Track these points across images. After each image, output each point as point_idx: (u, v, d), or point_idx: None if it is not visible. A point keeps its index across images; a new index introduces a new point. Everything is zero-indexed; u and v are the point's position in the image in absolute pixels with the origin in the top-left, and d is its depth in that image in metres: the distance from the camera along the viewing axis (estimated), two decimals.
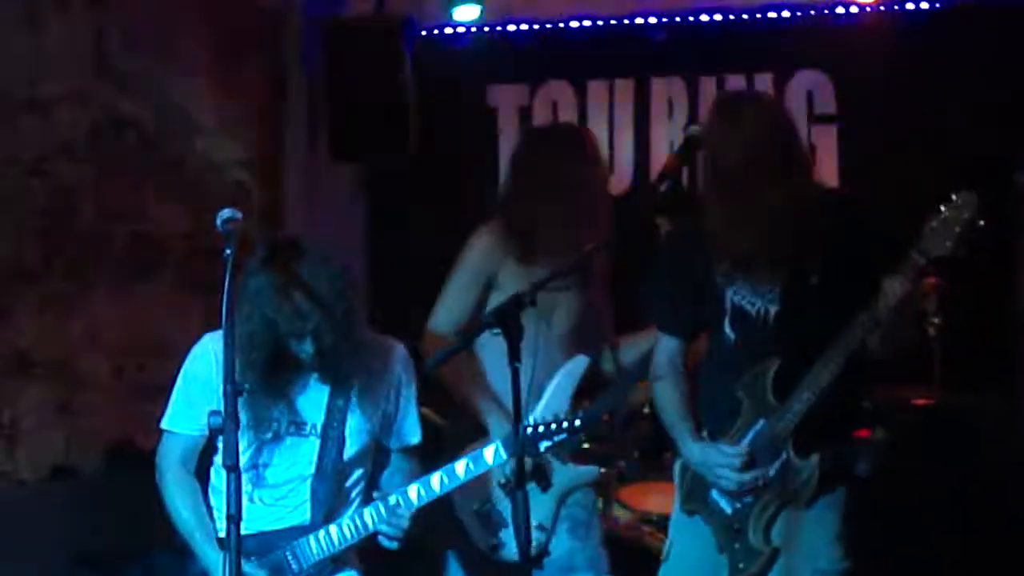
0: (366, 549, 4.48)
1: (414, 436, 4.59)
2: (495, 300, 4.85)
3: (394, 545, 4.39)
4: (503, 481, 4.87)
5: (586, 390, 4.98)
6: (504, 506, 4.91)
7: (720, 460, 4.29)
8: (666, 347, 4.52)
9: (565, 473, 4.96)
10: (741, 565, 4.30)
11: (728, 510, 4.33)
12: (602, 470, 5.14)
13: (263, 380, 4.26)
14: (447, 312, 5.02)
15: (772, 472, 4.23)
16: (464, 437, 4.88)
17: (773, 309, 4.26)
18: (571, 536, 5.00)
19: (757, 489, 4.26)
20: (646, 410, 6.04)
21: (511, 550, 4.90)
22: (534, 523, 4.87)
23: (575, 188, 4.97)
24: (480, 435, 4.84)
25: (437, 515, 4.86)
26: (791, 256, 4.20)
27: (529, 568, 4.16)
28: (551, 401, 4.79)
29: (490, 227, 5.04)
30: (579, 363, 4.91)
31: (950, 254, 3.99)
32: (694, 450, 4.39)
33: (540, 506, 4.91)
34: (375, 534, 4.38)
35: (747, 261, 4.24)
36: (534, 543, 4.86)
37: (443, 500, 4.60)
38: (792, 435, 4.19)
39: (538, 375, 4.76)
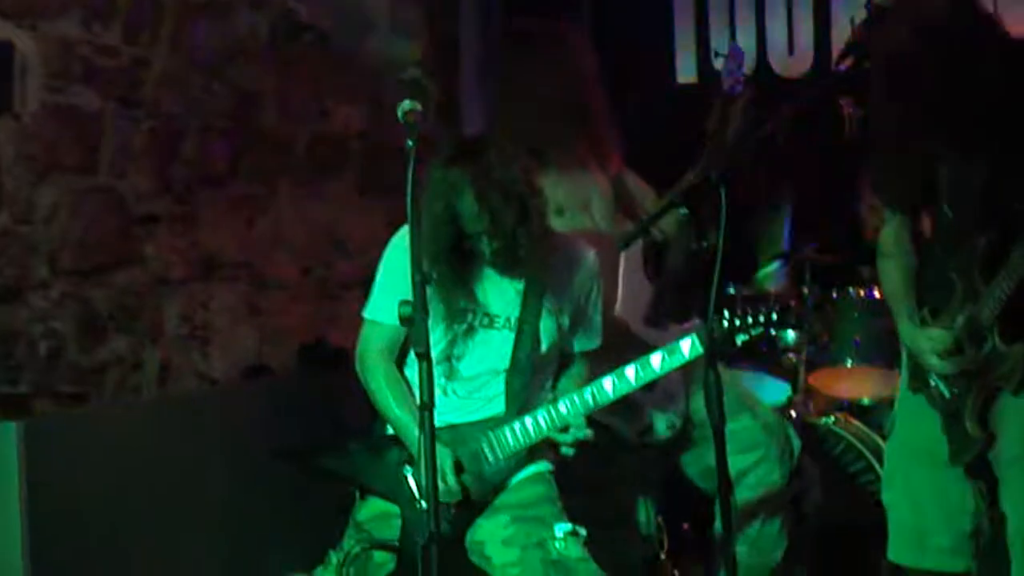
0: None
1: (596, 340, 4.60)
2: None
3: (571, 452, 4.41)
4: None
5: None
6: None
7: (925, 345, 4.21)
8: (891, 224, 4.40)
9: None
10: (960, 449, 4.23)
11: (947, 394, 4.24)
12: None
13: (449, 271, 4.28)
14: None
15: (980, 358, 4.13)
16: None
17: (984, 184, 4.10)
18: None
19: (969, 375, 4.16)
20: (834, 294, 5.97)
21: (659, 429, 4.91)
22: (667, 396, 4.89)
23: (547, 89, 4.95)
24: None
25: None
26: (1007, 120, 4.03)
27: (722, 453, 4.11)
28: (629, 285, 4.92)
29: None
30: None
31: None
32: (905, 332, 4.31)
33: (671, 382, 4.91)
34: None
35: (962, 128, 4.10)
36: (676, 415, 4.87)
37: None
38: (996, 321, 4.08)
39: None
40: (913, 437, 4.38)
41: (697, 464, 5.09)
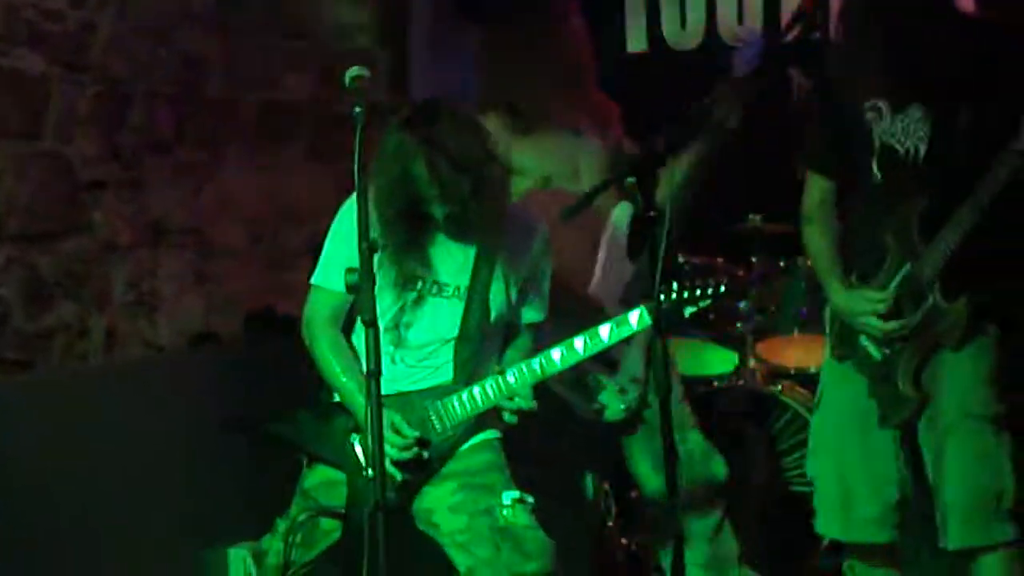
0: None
1: (542, 313, 4.60)
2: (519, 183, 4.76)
3: (514, 420, 4.41)
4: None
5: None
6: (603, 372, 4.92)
7: (864, 307, 4.24)
8: (817, 188, 4.43)
9: None
10: (890, 411, 4.25)
11: (877, 356, 4.27)
12: None
13: (400, 237, 4.27)
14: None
15: (919, 316, 4.16)
16: None
17: (923, 147, 4.14)
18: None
19: (905, 335, 4.19)
20: (781, 263, 6.00)
21: (614, 409, 4.93)
22: (627, 377, 4.90)
23: (539, 53, 4.93)
24: None
25: None
26: (944, 87, 4.07)
27: (667, 421, 4.13)
28: (607, 259, 4.90)
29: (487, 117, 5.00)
30: (622, 210, 4.96)
31: None
32: (840, 297, 4.33)
33: (630, 360, 4.93)
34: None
35: (897, 93, 4.12)
36: (634, 396, 4.89)
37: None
38: (938, 278, 4.11)
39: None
40: (840, 405, 4.41)
41: (646, 449, 5.09)
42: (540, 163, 4.52)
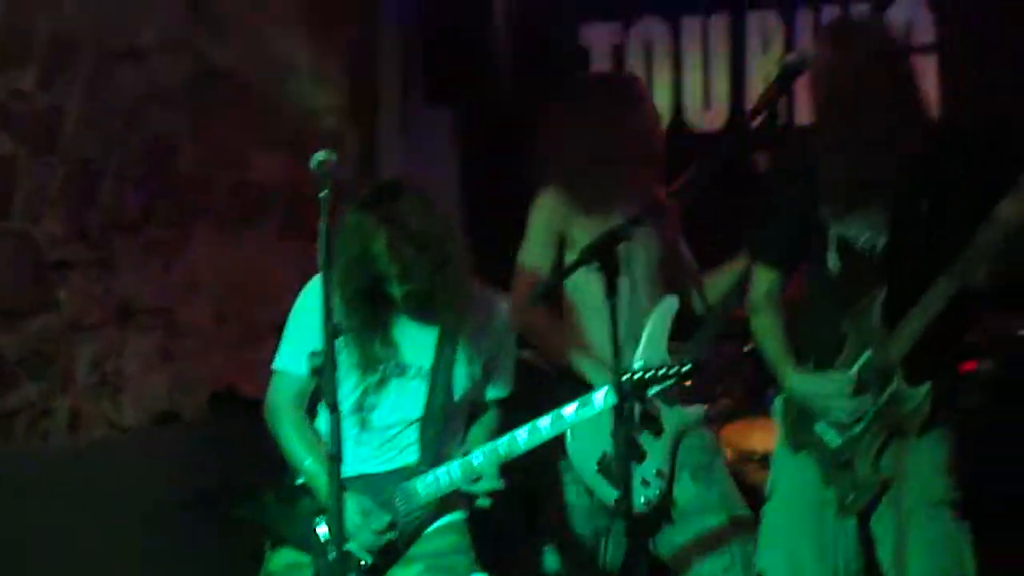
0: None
1: (507, 388, 4.61)
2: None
3: (487, 503, 4.42)
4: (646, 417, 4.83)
5: (678, 332, 4.96)
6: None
7: (829, 388, 4.24)
8: (764, 280, 4.46)
9: (674, 415, 4.93)
10: (850, 497, 4.25)
11: (835, 442, 4.27)
12: (707, 407, 5.10)
13: (361, 317, 4.29)
14: (531, 262, 4.99)
15: (883, 401, 4.18)
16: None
17: (882, 240, 4.18)
18: (694, 481, 4.97)
19: (864, 418, 4.20)
20: (747, 349, 6.02)
21: (639, 500, 4.90)
22: (652, 469, 4.88)
23: (620, 134, 4.93)
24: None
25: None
26: (902, 184, 4.12)
27: (627, 513, 4.13)
28: (648, 344, 4.81)
29: (549, 189, 5.01)
30: (670, 304, 4.93)
31: None
32: (799, 381, 4.34)
33: (656, 452, 4.89)
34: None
35: (856, 190, 4.16)
36: (657, 491, 4.86)
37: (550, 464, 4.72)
38: (902, 364, 4.13)
39: (630, 320, 4.76)
40: (794, 496, 4.39)
41: (667, 543, 5.02)
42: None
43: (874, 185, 4.14)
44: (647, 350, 4.84)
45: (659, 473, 4.91)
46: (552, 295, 4.84)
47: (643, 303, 4.91)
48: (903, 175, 4.12)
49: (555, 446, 4.73)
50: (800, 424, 4.35)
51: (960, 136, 4.26)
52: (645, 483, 4.86)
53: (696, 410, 5.01)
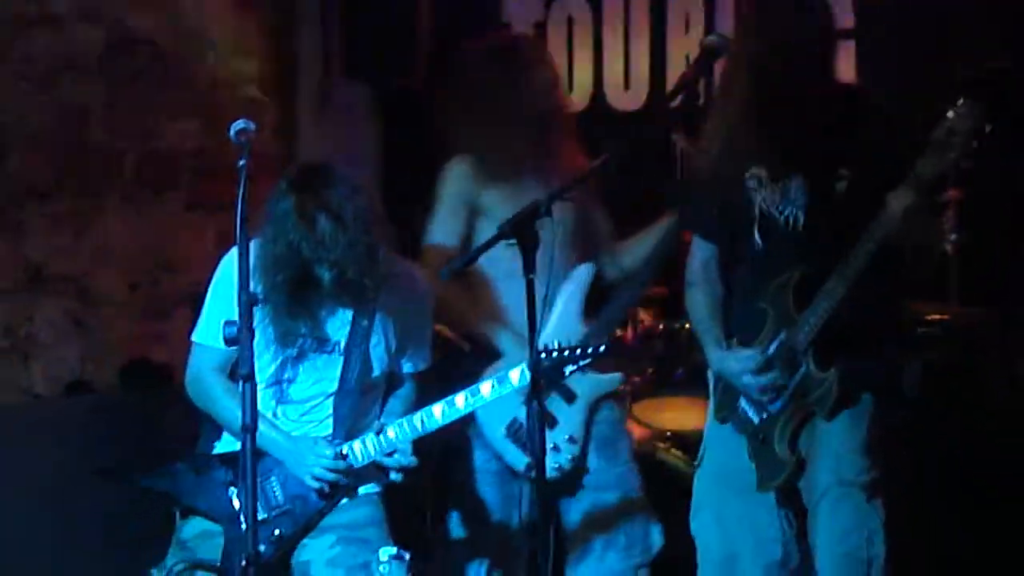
0: None
1: (425, 361, 4.64)
2: (486, 227, 4.78)
3: (399, 477, 4.42)
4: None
5: (593, 299, 4.98)
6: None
7: (735, 367, 4.28)
8: (700, 252, 4.46)
9: (588, 382, 4.92)
10: (767, 474, 4.28)
11: (755, 420, 4.30)
12: (623, 378, 5.12)
13: (288, 300, 4.28)
14: (438, 240, 4.98)
15: (793, 384, 4.21)
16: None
17: (801, 216, 4.21)
18: (598, 455, 4.99)
19: (779, 396, 4.23)
20: (661, 326, 6.05)
21: (548, 467, 4.90)
22: (564, 435, 4.89)
23: (511, 98, 4.93)
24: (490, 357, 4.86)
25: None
26: (821, 157, 4.14)
27: (541, 483, 4.14)
28: (564, 314, 4.81)
29: (455, 159, 5.01)
30: (585, 271, 4.95)
31: (953, 165, 3.94)
32: (714, 357, 4.38)
33: (568, 418, 4.91)
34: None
35: (777, 163, 4.19)
36: (569, 456, 4.88)
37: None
38: (811, 347, 4.17)
39: (546, 284, 4.70)
40: (722, 465, 4.42)
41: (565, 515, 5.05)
42: (504, 211, 4.48)
43: (791, 154, 4.17)
44: (562, 319, 4.84)
45: (571, 439, 4.93)
46: (464, 269, 4.78)
47: (558, 268, 4.83)
48: (825, 144, 4.14)
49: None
50: (726, 398, 4.38)
51: (876, 108, 4.27)
52: (556, 449, 4.87)
53: (612, 378, 5.03)
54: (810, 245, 4.19)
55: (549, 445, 4.78)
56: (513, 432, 4.89)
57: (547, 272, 4.70)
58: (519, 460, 4.88)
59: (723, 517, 4.41)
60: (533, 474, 4.78)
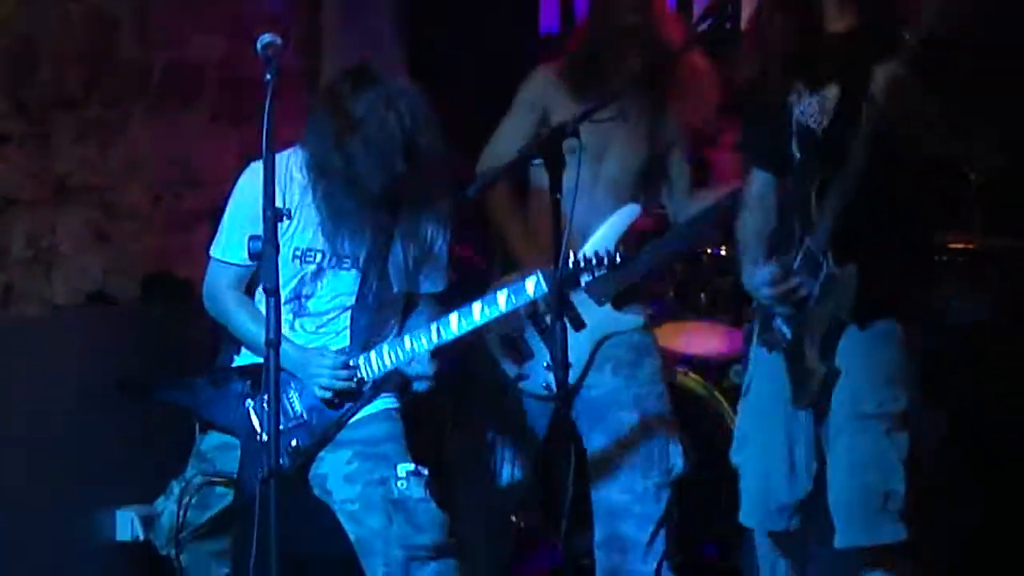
0: None
1: (442, 282, 4.62)
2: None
3: (423, 386, 4.44)
4: (531, 312, 4.70)
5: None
6: (533, 338, 4.88)
7: (757, 280, 4.23)
8: (757, 181, 4.38)
9: (601, 314, 4.90)
10: (799, 388, 4.21)
11: (789, 335, 4.24)
12: (645, 317, 5.07)
13: (329, 207, 4.35)
14: (499, 145, 4.97)
15: (817, 286, 4.13)
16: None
17: (826, 123, 4.14)
18: (614, 375, 4.97)
19: (806, 306, 4.17)
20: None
21: (535, 383, 4.91)
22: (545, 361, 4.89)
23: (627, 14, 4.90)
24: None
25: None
26: (853, 64, 4.06)
27: (561, 403, 4.15)
28: (595, 243, 4.73)
29: (550, 63, 4.99)
30: (628, 211, 4.87)
31: (936, 27, 3.84)
32: (744, 276, 4.33)
33: (573, 345, 4.90)
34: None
35: (814, 71, 4.12)
36: (551, 389, 4.86)
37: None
38: (829, 247, 4.08)
39: (584, 218, 4.60)
40: (764, 390, 4.33)
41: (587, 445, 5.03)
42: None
43: (823, 57, 4.12)
44: (593, 245, 4.78)
45: (547, 367, 4.86)
46: (487, 189, 4.72)
47: (607, 206, 4.86)
48: (851, 48, 4.08)
49: None
50: (766, 319, 4.33)
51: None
52: (549, 367, 4.78)
53: (631, 320, 4.99)
54: (830, 151, 4.10)
55: (542, 361, 4.81)
56: (505, 340, 4.91)
57: (590, 196, 4.67)
58: (509, 368, 4.93)
59: (767, 445, 4.30)
60: (519, 383, 4.91)
